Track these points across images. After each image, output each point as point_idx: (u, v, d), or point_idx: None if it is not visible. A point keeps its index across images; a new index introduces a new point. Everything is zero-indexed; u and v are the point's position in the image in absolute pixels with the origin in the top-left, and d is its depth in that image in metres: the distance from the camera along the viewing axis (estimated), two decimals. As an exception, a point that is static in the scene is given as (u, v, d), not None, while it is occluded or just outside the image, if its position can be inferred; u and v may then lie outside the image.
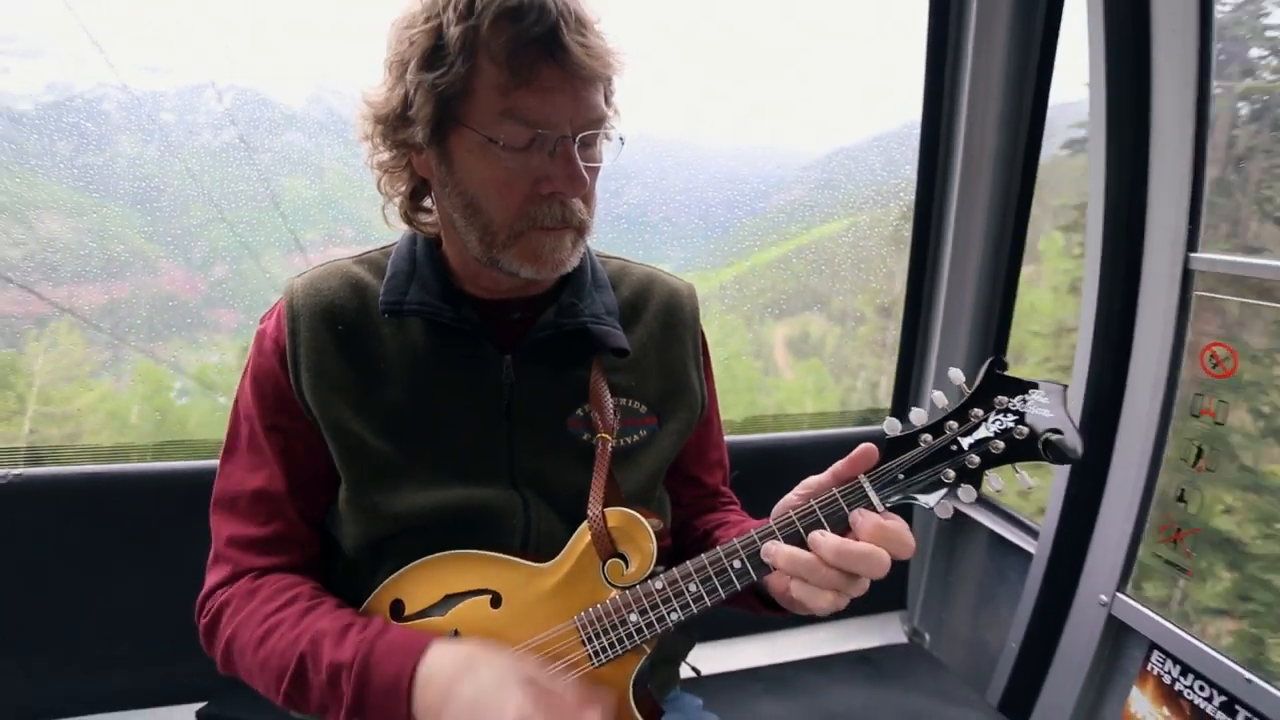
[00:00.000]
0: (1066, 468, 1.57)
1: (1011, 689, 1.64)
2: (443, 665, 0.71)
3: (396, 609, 0.86)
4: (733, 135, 1.90)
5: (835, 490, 0.71)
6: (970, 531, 1.92)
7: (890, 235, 2.04)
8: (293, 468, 0.88)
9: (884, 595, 1.94)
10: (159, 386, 1.52)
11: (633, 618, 0.78)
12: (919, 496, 0.71)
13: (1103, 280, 1.47)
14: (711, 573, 0.75)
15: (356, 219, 1.56)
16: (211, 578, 0.89)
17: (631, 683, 0.81)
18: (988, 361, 0.73)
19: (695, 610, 0.76)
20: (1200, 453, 1.35)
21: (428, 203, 0.92)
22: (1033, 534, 1.72)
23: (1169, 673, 1.36)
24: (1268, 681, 1.21)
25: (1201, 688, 1.31)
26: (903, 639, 1.91)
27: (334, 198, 1.57)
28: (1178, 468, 1.40)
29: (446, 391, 0.88)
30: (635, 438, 0.93)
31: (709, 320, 1.30)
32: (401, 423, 0.87)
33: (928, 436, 0.71)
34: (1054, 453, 0.69)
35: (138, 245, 1.41)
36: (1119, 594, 1.44)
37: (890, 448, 0.73)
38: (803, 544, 0.70)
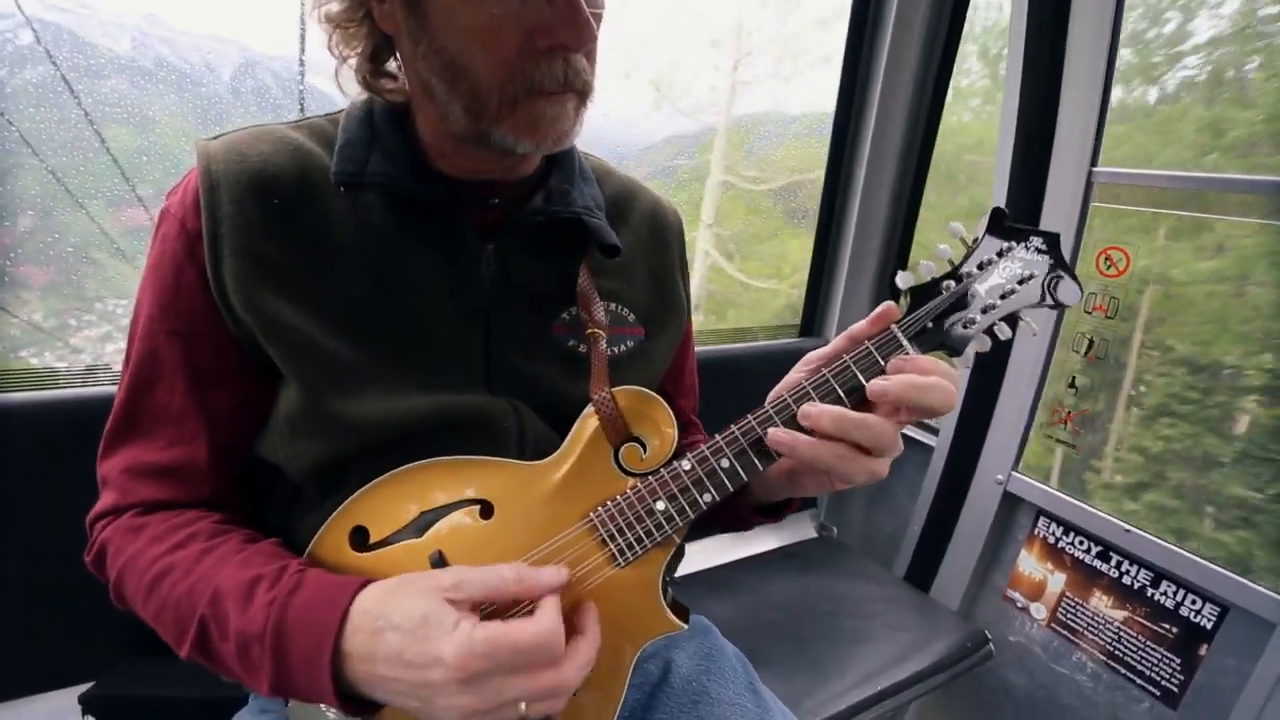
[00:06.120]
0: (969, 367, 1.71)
1: (915, 564, 1.81)
2: (359, 625, 0.56)
3: (359, 538, 0.69)
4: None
5: (868, 343, 0.68)
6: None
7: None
8: (200, 382, 0.71)
9: (796, 496, 2.06)
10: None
11: (660, 505, 0.68)
12: (946, 347, 0.70)
13: (1010, 189, 1.58)
14: (745, 444, 0.67)
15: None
16: (97, 505, 0.73)
17: (660, 581, 0.71)
18: (991, 209, 0.71)
19: (730, 488, 0.68)
20: (1091, 344, 1.53)
21: (392, 65, 0.76)
22: (929, 429, 1.88)
23: (1052, 533, 1.56)
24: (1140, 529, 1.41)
25: (1081, 542, 1.51)
26: (814, 534, 2.04)
27: (168, 149, 1.30)
28: (1069, 359, 1.57)
29: (413, 281, 0.74)
30: (623, 347, 0.84)
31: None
32: (358, 316, 0.72)
33: (949, 283, 0.71)
34: (1055, 295, 0.70)
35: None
36: (1013, 472, 1.62)
37: (913, 298, 0.71)
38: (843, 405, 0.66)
